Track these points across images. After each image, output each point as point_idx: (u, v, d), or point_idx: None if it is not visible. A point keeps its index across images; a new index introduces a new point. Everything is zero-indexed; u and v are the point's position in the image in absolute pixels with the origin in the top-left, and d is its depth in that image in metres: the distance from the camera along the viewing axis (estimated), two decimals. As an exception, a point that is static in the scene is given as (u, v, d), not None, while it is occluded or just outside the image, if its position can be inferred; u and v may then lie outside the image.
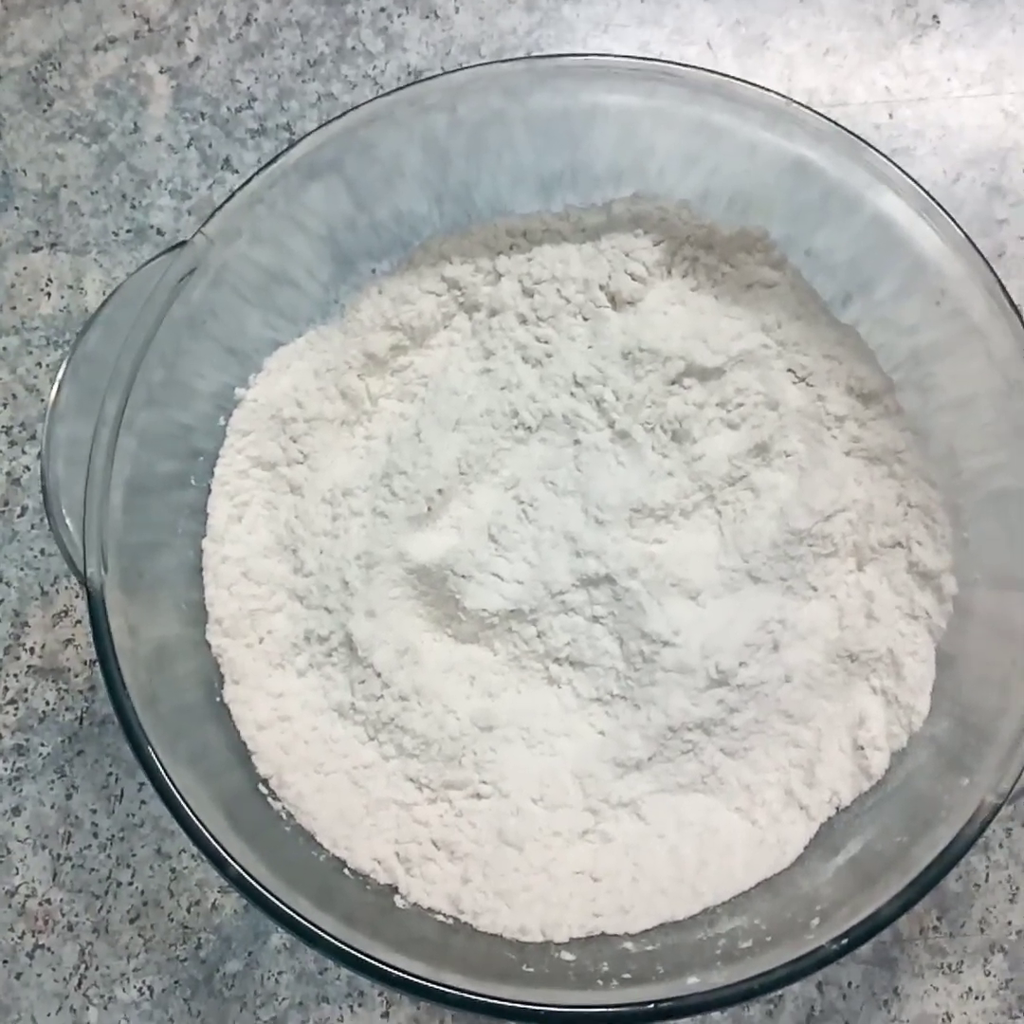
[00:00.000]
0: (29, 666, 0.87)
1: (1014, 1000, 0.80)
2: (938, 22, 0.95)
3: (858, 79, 0.94)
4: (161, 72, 0.96)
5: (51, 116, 0.96)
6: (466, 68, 0.76)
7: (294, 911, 0.64)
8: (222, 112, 0.95)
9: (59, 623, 0.88)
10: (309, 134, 0.75)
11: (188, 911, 0.83)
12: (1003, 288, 0.71)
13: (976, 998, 0.81)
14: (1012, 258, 0.91)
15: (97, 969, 0.83)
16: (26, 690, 0.87)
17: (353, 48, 0.96)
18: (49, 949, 0.83)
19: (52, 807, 0.85)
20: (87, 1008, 0.82)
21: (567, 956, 0.71)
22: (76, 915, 0.83)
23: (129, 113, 0.96)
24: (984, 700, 0.71)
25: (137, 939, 0.83)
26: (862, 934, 0.62)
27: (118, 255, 0.93)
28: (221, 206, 0.74)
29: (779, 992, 0.80)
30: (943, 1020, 0.80)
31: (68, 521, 0.72)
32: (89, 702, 0.86)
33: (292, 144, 0.75)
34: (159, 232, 0.93)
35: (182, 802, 0.66)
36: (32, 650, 0.88)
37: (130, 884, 0.84)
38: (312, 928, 0.64)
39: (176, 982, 0.82)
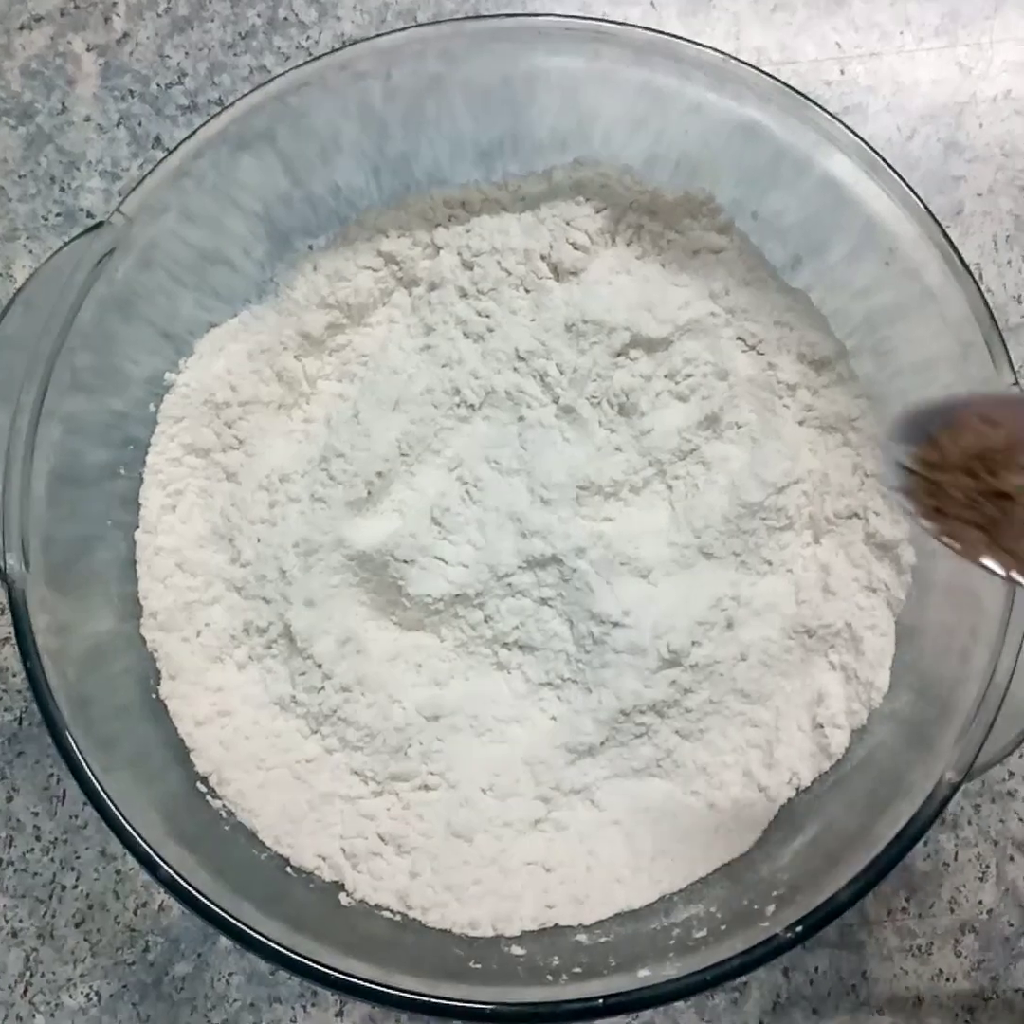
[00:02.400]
0: (-33, 666, 0.85)
1: (986, 982, 0.78)
2: (890, -26, 0.92)
3: (808, 35, 0.91)
4: (88, 50, 0.93)
5: (-25, 98, 0.93)
6: (399, 30, 0.73)
7: (233, 917, 0.62)
8: (152, 89, 0.92)
9: (-5, 621, 0.85)
10: (233, 102, 0.72)
11: (135, 913, 0.81)
12: (955, 249, 0.68)
13: (947, 980, 0.79)
14: (970, 215, 0.88)
15: (43, 976, 0.80)
16: (-36, 691, 0.84)
17: (285, 18, 0.93)
18: (-6, 957, 0.81)
19: (-7, 811, 0.83)
20: (34, 1015, 0.80)
21: (517, 951, 0.68)
22: (20, 921, 0.81)
23: (56, 93, 0.92)
24: (944, 671, 0.69)
25: (83, 943, 0.80)
26: (817, 921, 0.60)
27: (48, 240, 0.90)
28: (141, 181, 0.71)
29: (742, 979, 0.78)
30: (914, 1004, 0.78)
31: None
32: (28, 702, 0.83)
33: (218, 112, 0.72)
34: (89, 215, 0.90)
35: (112, 806, 0.63)
36: (-31, 650, 0.85)
37: (75, 887, 0.81)
38: (253, 934, 0.62)
39: (124, 986, 0.80)
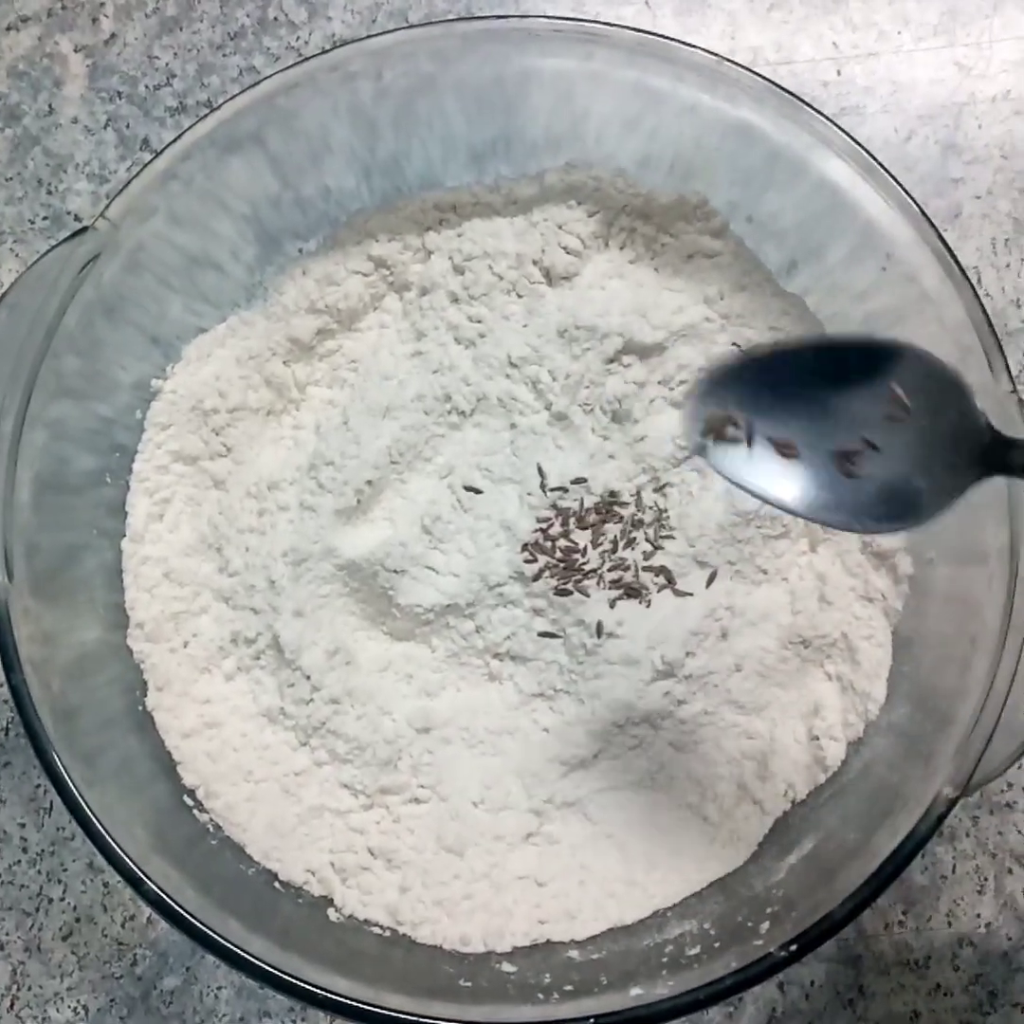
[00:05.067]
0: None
1: (984, 996, 0.77)
2: (888, -27, 0.91)
3: (805, 35, 0.90)
4: (76, 51, 0.92)
5: (-38, 100, 0.91)
6: (391, 31, 0.72)
7: (219, 934, 0.61)
8: (140, 90, 0.91)
9: (-18, 630, 0.84)
10: (222, 104, 0.71)
11: (123, 926, 0.80)
12: (952, 253, 0.67)
13: (945, 995, 0.78)
14: (969, 218, 0.87)
15: (30, 989, 0.79)
16: (-50, 701, 0.83)
17: (275, 19, 0.92)
18: (-20, 970, 0.80)
19: (-21, 822, 0.82)
20: (21, 1030, 0.79)
21: (508, 968, 0.67)
22: (6, 934, 0.80)
23: (43, 94, 0.91)
24: (942, 682, 0.68)
25: (71, 957, 0.80)
26: (813, 939, 0.59)
27: (35, 244, 0.89)
28: (126, 186, 0.70)
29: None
30: (911, 1018, 0.77)
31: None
32: (14, 712, 0.82)
33: (206, 114, 0.71)
34: (77, 218, 0.89)
35: (96, 821, 0.62)
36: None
37: (62, 900, 0.80)
38: (240, 952, 0.61)
39: (112, 1001, 0.79)
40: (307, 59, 0.72)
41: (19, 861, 0.81)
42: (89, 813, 0.63)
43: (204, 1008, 0.78)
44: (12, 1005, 0.79)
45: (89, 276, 0.70)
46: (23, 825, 0.81)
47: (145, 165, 0.71)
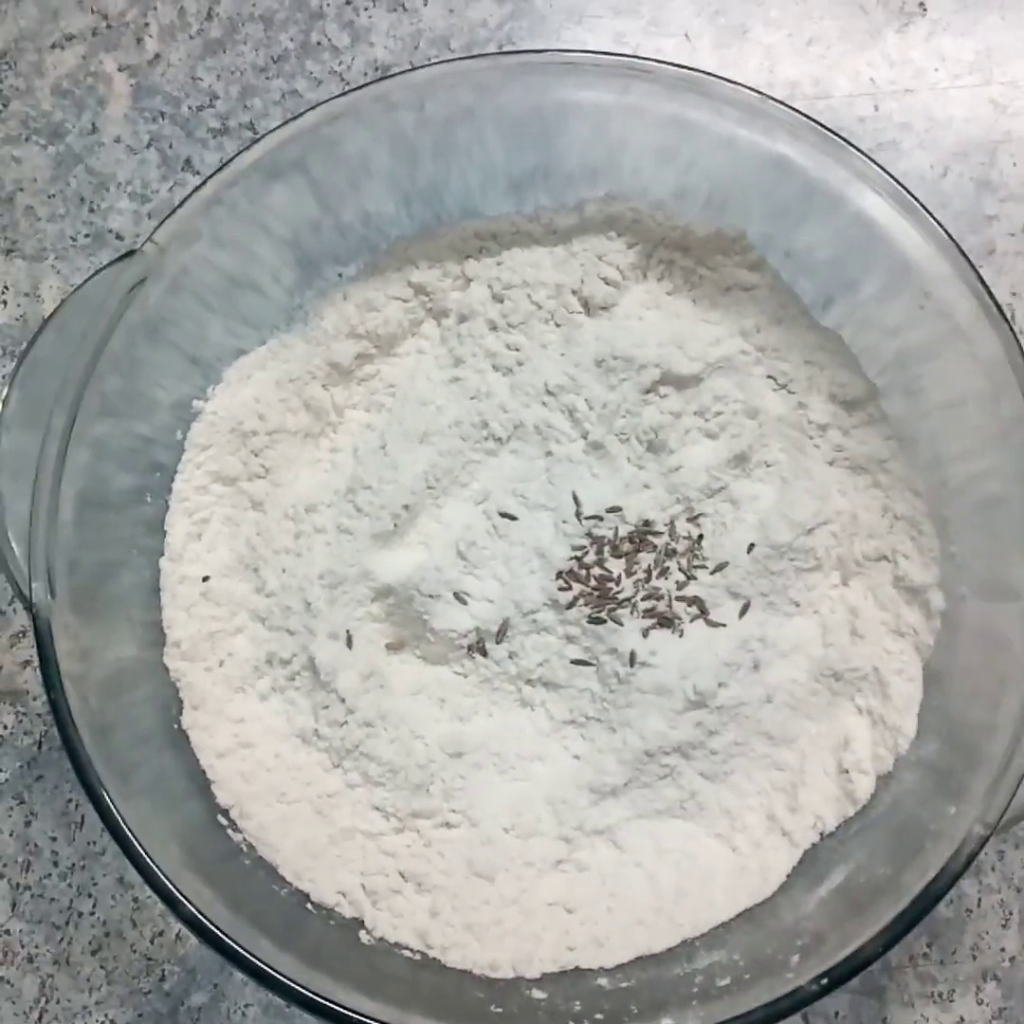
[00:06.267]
0: (-13, 689, 0.85)
1: (1007, 1029, 0.78)
2: (924, 9, 0.91)
3: (841, 70, 0.90)
4: (120, 70, 0.93)
5: (6, 117, 0.92)
6: (433, 64, 0.73)
7: (250, 952, 0.62)
8: (183, 111, 0.92)
9: (17, 644, 0.85)
10: (269, 132, 0.72)
11: (152, 942, 0.80)
12: (987, 289, 0.68)
13: (968, 1028, 0.78)
14: (1003, 255, 0.88)
15: (58, 1002, 0.80)
16: (-16, 713, 0.84)
17: (318, 43, 0.93)
18: (8, 982, 0.80)
19: (11, 835, 0.82)
20: (48, 1043, 0.80)
21: (538, 994, 0.68)
22: (36, 947, 0.81)
23: (87, 113, 0.92)
24: (972, 718, 0.68)
25: (99, 971, 0.80)
26: (844, 974, 0.60)
27: (76, 261, 0.90)
28: (173, 211, 0.71)
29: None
30: (934, 1050, 0.78)
31: (12, 539, 0.68)
32: (48, 726, 0.83)
33: (251, 143, 0.72)
34: (118, 237, 0.90)
35: (131, 836, 0.63)
36: (-10, 672, 0.85)
37: (92, 914, 0.81)
38: (270, 970, 0.61)
39: (140, 1015, 0.80)
40: (351, 90, 0.73)
41: (50, 875, 0.81)
42: (124, 828, 0.63)
43: (231, 1025, 0.79)
44: (41, 1017, 0.80)
45: (135, 299, 0.71)
46: (54, 839, 0.82)
47: (192, 191, 0.72)
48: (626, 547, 0.76)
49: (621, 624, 0.74)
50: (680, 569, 0.76)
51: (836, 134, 0.70)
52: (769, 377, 0.78)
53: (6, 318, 0.90)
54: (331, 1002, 0.61)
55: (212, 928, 0.62)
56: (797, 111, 0.71)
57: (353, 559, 0.75)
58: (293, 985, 0.61)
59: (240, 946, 0.62)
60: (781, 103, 0.71)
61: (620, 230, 0.78)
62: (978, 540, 0.71)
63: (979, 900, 0.79)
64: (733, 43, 0.91)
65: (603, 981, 0.69)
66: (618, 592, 0.75)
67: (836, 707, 0.75)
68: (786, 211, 0.75)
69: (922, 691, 0.73)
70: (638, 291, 0.79)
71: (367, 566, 0.75)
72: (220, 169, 0.72)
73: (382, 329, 0.79)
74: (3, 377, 0.88)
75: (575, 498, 0.76)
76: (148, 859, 0.63)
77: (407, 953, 0.70)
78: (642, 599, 0.75)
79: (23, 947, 0.81)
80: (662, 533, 0.76)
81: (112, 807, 0.63)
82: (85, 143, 0.92)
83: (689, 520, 0.77)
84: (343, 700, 0.73)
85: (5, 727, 0.84)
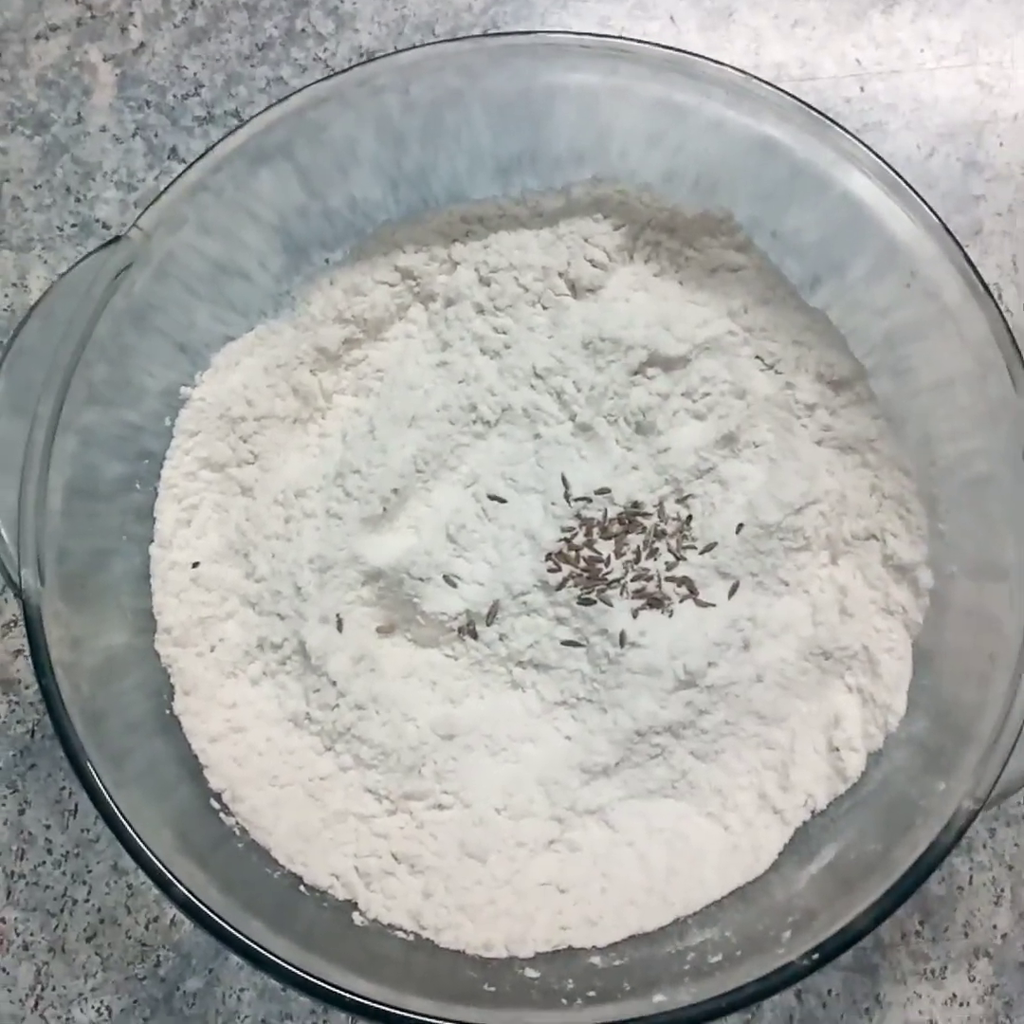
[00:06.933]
0: (-21, 678, 0.85)
1: (1000, 1006, 0.78)
2: (910, -9, 0.92)
3: (828, 52, 0.91)
4: (105, 60, 0.93)
5: (-8, 108, 0.92)
6: (418, 46, 0.73)
7: (244, 935, 0.62)
8: (168, 100, 0.92)
9: (9, 633, 0.85)
10: (254, 117, 0.72)
11: (146, 928, 0.81)
12: (974, 268, 0.68)
13: (961, 1005, 0.78)
14: (990, 235, 0.88)
15: (54, 989, 0.80)
16: (-24, 703, 0.84)
17: (303, 30, 0.93)
18: (4, 969, 0.80)
19: (4, 823, 0.82)
20: (44, 1030, 0.80)
21: (531, 973, 0.68)
22: (31, 934, 0.81)
23: (72, 103, 0.92)
24: (962, 696, 0.68)
25: (94, 958, 0.80)
26: (834, 948, 0.60)
27: (63, 251, 0.90)
28: (158, 197, 0.71)
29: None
30: (927, 1027, 0.78)
31: (1, 527, 0.68)
32: (41, 714, 0.83)
33: (235, 128, 0.72)
34: (105, 226, 0.90)
35: (125, 822, 0.63)
36: (-18, 661, 0.85)
37: (86, 901, 0.81)
38: (264, 952, 0.61)
39: (135, 1001, 0.80)
40: (336, 73, 0.73)
41: (44, 862, 0.82)
42: (118, 814, 0.63)
43: (226, 1010, 0.79)
44: (36, 1005, 0.80)
45: (121, 285, 0.71)
46: (48, 827, 0.82)
47: (177, 176, 0.72)
48: (615, 528, 0.76)
49: (611, 605, 0.74)
50: (669, 550, 0.76)
51: (823, 115, 0.70)
52: (757, 357, 0.78)
53: (-6, 308, 0.90)
54: (326, 983, 0.61)
55: (206, 911, 0.62)
56: (784, 92, 0.71)
57: (343, 543, 0.75)
58: (287, 967, 0.61)
59: (234, 929, 0.62)
60: (768, 84, 0.71)
61: (606, 212, 0.78)
62: (967, 519, 0.72)
63: (971, 877, 0.80)
64: (719, 25, 0.91)
65: (596, 960, 0.69)
66: (608, 573, 0.75)
67: (826, 686, 0.75)
68: (773, 192, 0.76)
69: (911, 669, 0.73)
70: (625, 273, 0.79)
71: (357, 550, 0.75)
72: (205, 154, 0.72)
73: (369, 314, 0.79)
74: (-8, 367, 0.88)
75: (564, 480, 0.76)
76: (142, 844, 0.63)
77: (401, 934, 0.70)
78: (631, 580, 0.75)
79: (18, 935, 0.81)
80: (651, 514, 0.76)
81: (105, 793, 0.63)
82: (71, 133, 0.92)
83: (678, 501, 0.77)
84: (334, 684, 0.73)
85: (-2, 716, 0.84)
